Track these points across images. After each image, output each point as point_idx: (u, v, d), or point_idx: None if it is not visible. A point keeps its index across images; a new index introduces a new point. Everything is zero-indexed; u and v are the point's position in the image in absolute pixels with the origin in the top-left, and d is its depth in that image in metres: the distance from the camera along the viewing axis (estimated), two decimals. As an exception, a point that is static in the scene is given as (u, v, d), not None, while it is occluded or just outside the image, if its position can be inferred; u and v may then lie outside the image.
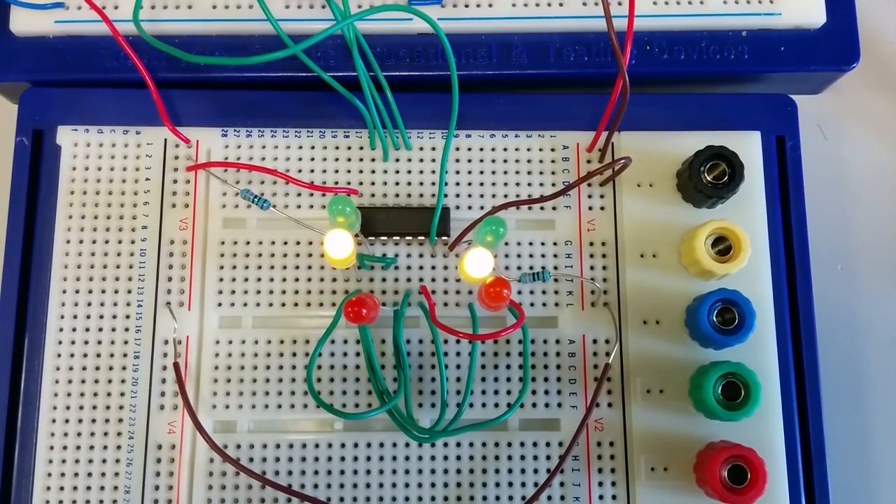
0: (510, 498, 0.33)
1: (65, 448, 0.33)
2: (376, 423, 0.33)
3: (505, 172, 0.36)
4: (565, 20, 0.36)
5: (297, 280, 0.34)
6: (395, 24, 0.36)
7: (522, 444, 0.33)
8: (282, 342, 0.34)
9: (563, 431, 0.33)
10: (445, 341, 0.34)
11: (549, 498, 0.33)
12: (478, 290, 0.32)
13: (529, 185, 0.35)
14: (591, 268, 0.35)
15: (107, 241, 0.35)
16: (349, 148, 0.36)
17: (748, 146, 0.35)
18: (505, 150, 0.36)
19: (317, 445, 0.33)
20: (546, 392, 0.34)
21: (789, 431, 0.33)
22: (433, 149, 0.36)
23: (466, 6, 0.36)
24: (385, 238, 0.35)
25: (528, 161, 0.36)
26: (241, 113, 0.36)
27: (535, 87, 0.37)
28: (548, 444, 0.33)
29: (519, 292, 0.34)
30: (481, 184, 0.35)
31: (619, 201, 0.35)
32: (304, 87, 0.36)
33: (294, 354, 0.34)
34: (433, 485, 0.33)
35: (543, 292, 0.35)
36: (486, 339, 0.33)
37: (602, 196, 0.35)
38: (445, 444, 0.33)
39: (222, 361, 0.34)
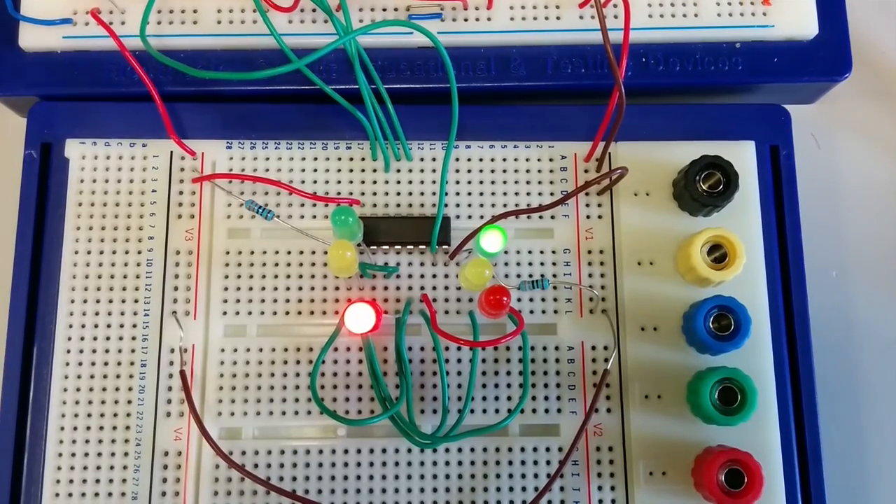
0: (511, 502, 0.33)
1: (73, 455, 0.34)
2: (379, 429, 0.34)
3: (504, 182, 0.36)
4: (562, 33, 0.37)
5: (300, 289, 0.35)
6: (396, 38, 0.36)
7: (523, 450, 0.34)
8: (286, 350, 0.34)
9: (563, 437, 0.34)
10: (446, 348, 0.34)
11: (550, 502, 0.33)
12: (478, 297, 0.33)
13: (528, 194, 0.36)
14: (590, 275, 0.35)
15: (114, 252, 0.35)
16: (351, 159, 0.36)
17: (743, 155, 0.36)
18: (504, 160, 0.36)
19: (320, 451, 0.34)
20: (546, 398, 0.34)
21: (785, 436, 0.34)
22: (433, 159, 0.36)
23: (465, 20, 0.37)
24: (387, 247, 0.35)
25: (527, 171, 0.36)
26: (246, 125, 0.36)
27: (533, 98, 0.38)
28: (548, 450, 0.34)
29: (518, 300, 0.35)
30: (481, 193, 0.36)
31: (617, 210, 0.36)
32: (307, 100, 0.36)
33: (298, 362, 0.34)
34: (435, 490, 0.33)
35: (543, 300, 0.35)
36: (486, 346, 0.34)
37: (600, 205, 0.36)
38: (447, 450, 0.34)
39: (227, 369, 0.34)
